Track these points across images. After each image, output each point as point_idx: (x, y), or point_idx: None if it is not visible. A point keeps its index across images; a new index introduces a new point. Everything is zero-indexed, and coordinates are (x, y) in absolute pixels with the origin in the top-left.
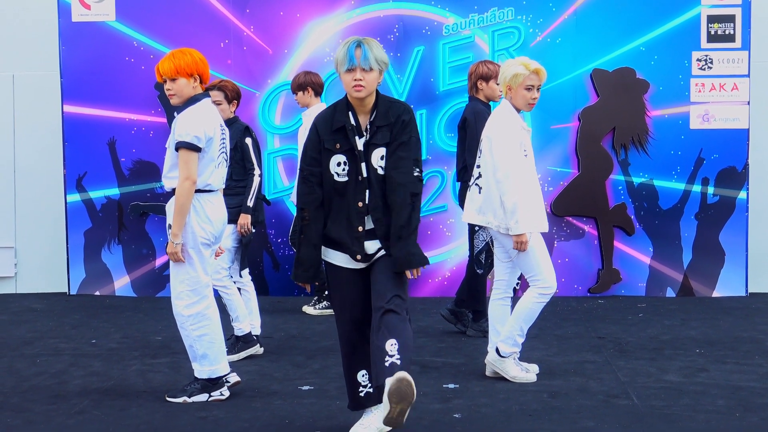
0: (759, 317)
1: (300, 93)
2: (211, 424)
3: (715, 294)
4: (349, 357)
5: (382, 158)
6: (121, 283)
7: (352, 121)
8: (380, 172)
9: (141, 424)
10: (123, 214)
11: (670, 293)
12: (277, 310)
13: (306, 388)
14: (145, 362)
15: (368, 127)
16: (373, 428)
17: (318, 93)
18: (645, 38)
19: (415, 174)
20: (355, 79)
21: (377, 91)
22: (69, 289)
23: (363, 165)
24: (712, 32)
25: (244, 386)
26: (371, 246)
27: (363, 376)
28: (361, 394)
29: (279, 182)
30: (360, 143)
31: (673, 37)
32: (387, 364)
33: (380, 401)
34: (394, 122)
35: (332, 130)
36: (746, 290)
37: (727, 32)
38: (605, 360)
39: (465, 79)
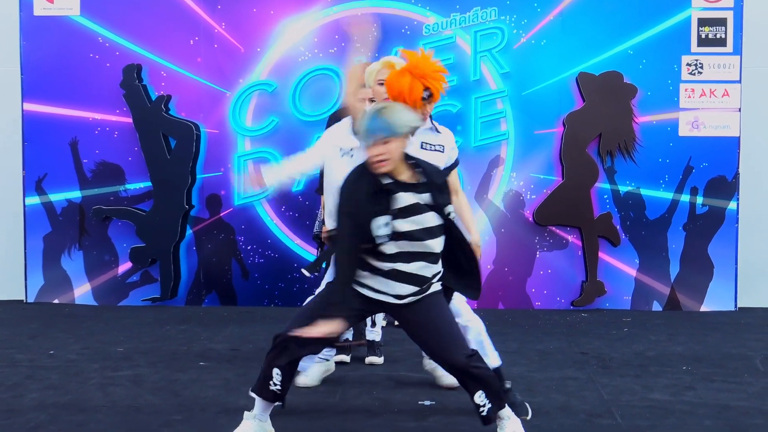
0: (748, 333)
1: None
2: None
3: (703, 308)
4: (277, 352)
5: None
6: (82, 291)
7: (389, 180)
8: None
9: None
10: (85, 219)
11: (657, 307)
12: (245, 320)
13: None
14: (105, 375)
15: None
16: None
17: None
18: (633, 41)
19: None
20: (375, 155)
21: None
22: (26, 297)
23: (426, 215)
24: (703, 36)
25: (209, 401)
26: (403, 289)
27: (277, 374)
28: (270, 388)
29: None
30: (414, 197)
31: (663, 41)
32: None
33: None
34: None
35: (371, 193)
36: (735, 304)
37: (718, 36)
38: (588, 377)
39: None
